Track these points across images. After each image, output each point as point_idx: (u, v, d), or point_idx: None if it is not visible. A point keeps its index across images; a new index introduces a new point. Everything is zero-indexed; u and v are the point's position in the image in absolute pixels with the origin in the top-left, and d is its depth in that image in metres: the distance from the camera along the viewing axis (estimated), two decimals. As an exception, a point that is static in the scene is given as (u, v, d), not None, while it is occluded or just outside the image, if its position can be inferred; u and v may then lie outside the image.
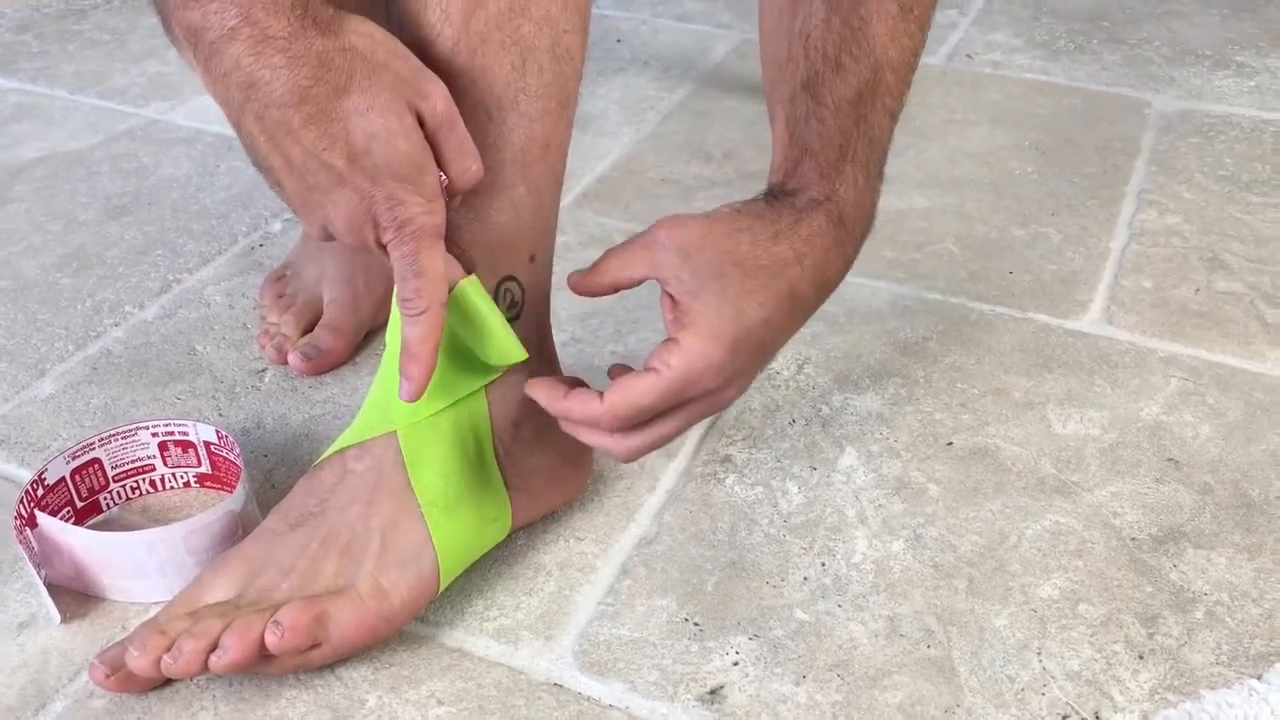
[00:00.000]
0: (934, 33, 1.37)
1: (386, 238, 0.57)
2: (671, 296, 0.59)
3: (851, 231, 0.63)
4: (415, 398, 0.60)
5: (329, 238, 0.60)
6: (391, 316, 0.66)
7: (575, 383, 0.63)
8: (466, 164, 0.58)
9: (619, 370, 0.61)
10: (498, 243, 0.64)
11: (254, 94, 0.54)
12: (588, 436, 0.62)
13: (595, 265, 0.62)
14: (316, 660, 0.62)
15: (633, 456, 0.62)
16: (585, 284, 0.62)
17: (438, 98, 0.57)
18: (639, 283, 0.61)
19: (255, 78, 0.53)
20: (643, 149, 1.15)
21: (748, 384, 0.64)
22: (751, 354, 0.60)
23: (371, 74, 0.55)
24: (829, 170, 0.62)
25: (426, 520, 0.64)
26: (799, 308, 0.62)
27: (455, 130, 0.58)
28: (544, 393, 0.62)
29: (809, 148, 0.63)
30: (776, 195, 0.63)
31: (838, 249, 0.62)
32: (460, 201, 0.61)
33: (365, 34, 0.55)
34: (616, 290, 0.62)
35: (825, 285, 0.63)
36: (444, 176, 0.58)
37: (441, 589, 0.65)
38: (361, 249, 0.59)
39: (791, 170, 0.63)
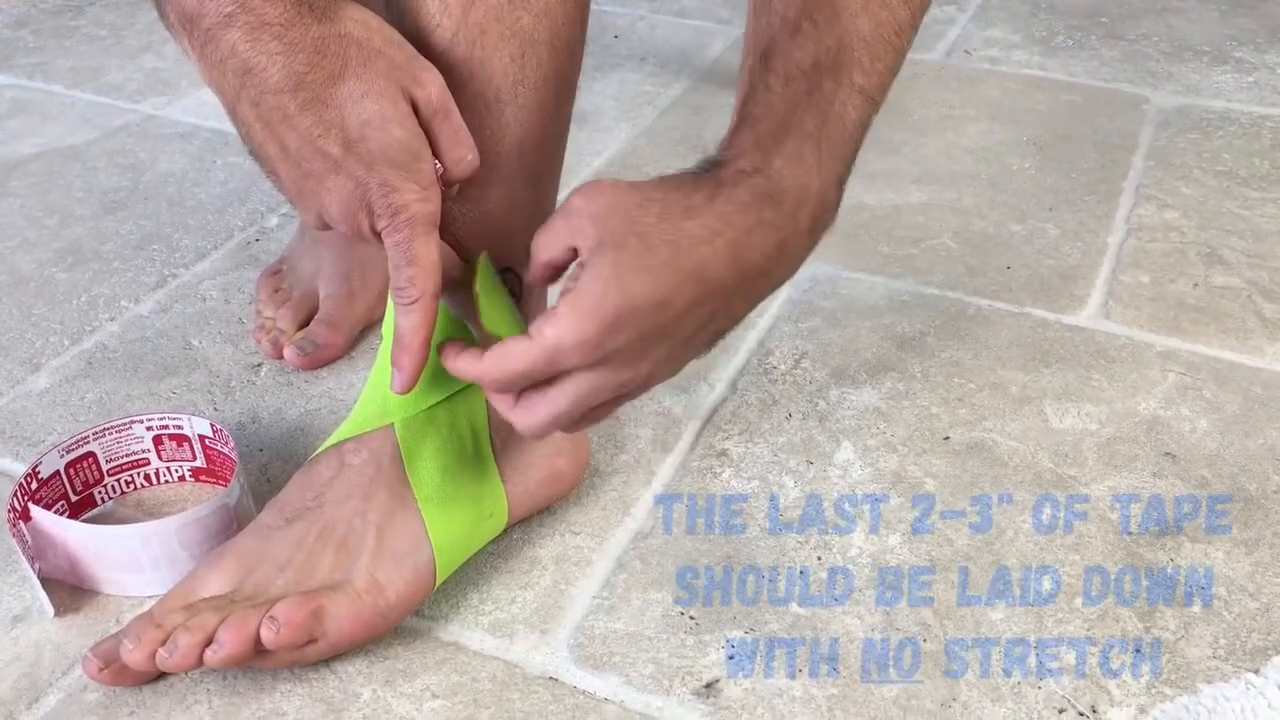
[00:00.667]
0: (932, 29, 1.38)
1: (380, 225, 0.56)
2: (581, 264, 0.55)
3: (791, 213, 0.55)
4: (407, 389, 0.59)
5: (325, 226, 0.59)
6: (388, 310, 0.66)
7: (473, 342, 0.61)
8: (462, 153, 0.58)
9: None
10: (495, 235, 0.64)
11: (250, 80, 0.54)
12: (495, 403, 0.59)
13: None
14: (312, 656, 0.62)
15: (534, 431, 0.58)
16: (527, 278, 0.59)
17: (433, 85, 0.56)
18: (569, 258, 0.55)
19: (251, 64, 0.53)
20: (639, 144, 1.15)
21: (662, 370, 0.57)
22: (642, 336, 0.54)
23: (367, 60, 0.54)
24: (766, 140, 0.56)
25: (423, 515, 0.64)
26: (710, 292, 0.54)
27: (450, 119, 0.57)
28: (446, 353, 0.59)
29: (749, 116, 0.57)
30: (706, 166, 0.56)
31: (763, 230, 0.55)
32: (456, 192, 0.61)
33: (361, 21, 0.55)
34: (552, 271, 0.57)
35: (748, 270, 0.55)
36: (439, 165, 0.58)
37: (437, 585, 0.65)
38: (356, 237, 0.58)
39: (728, 140, 0.57)
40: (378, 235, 0.57)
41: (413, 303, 0.57)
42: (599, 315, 0.53)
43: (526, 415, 0.58)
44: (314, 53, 0.53)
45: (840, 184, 0.59)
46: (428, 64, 0.57)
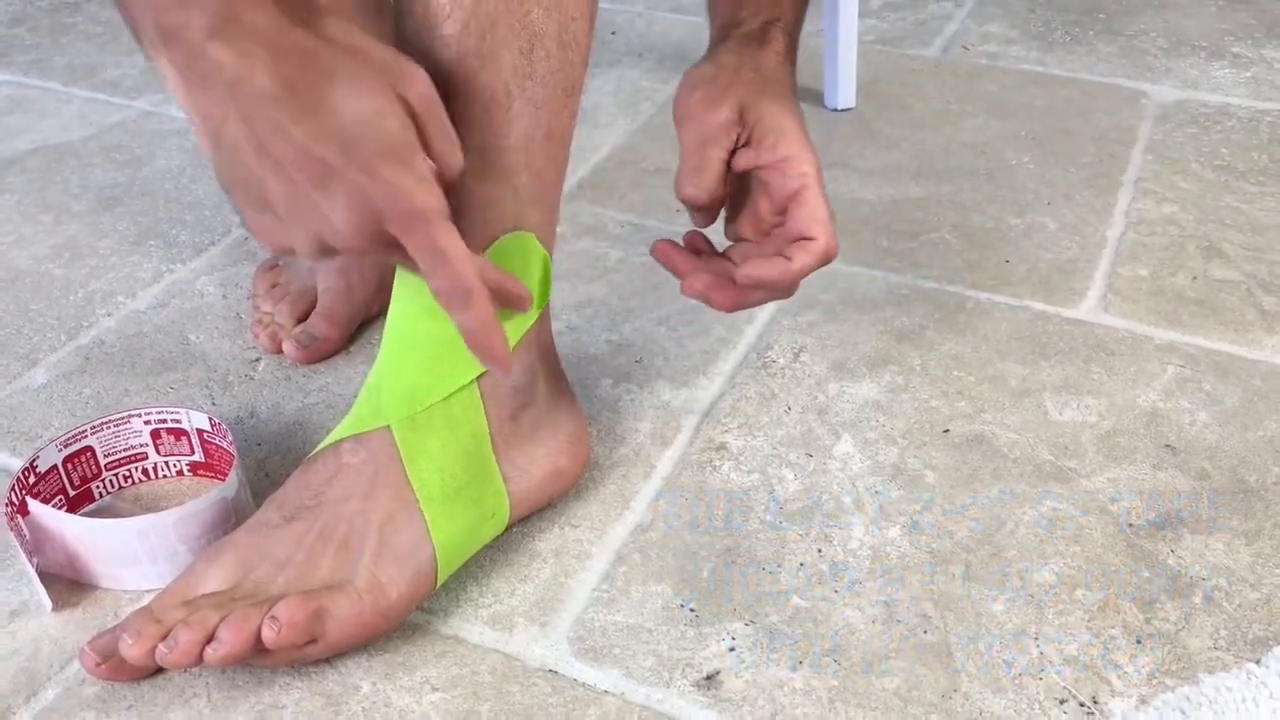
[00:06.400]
0: (929, 24, 1.38)
1: (394, 229, 0.55)
2: (740, 141, 0.68)
3: (794, 47, 0.73)
4: (509, 367, 0.58)
5: (324, 253, 0.56)
6: (390, 310, 0.66)
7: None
8: (451, 149, 0.57)
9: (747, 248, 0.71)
10: (500, 229, 0.64)
11: (240, 92, 0.52)
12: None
13: (695, 191, 0.69)
14: (312, 655, 0.61)
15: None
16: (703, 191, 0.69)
17: (420, 82, 0.55)
18: (729, 140, 0.69)
19: (240, 74, 0.51)
20: (637, 140, 1.15)
21: None
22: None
23: (354, 61, 0.53)
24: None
25: (425, 515, 0.63)
26: (796, 103, 0.71)
27: (437, 116, 0.56)
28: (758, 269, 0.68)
29: None
30: (728, 34, 0.72)
31: (790, 60, 0.72)
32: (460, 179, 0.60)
33: (342, 28, 0.54)
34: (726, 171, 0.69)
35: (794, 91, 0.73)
36: (430, 164, 0.56)
37: (439, 585, 0.65)
38: (372, 246, 0.55)
39: (743, 3, 0.73)
40: (393, 242, 0.55)
41: (467, 299, 0.55)
42: (804, 136, 0.68)
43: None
44: (303, 58, 0.52)
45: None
46: (412, 62, 0.56)
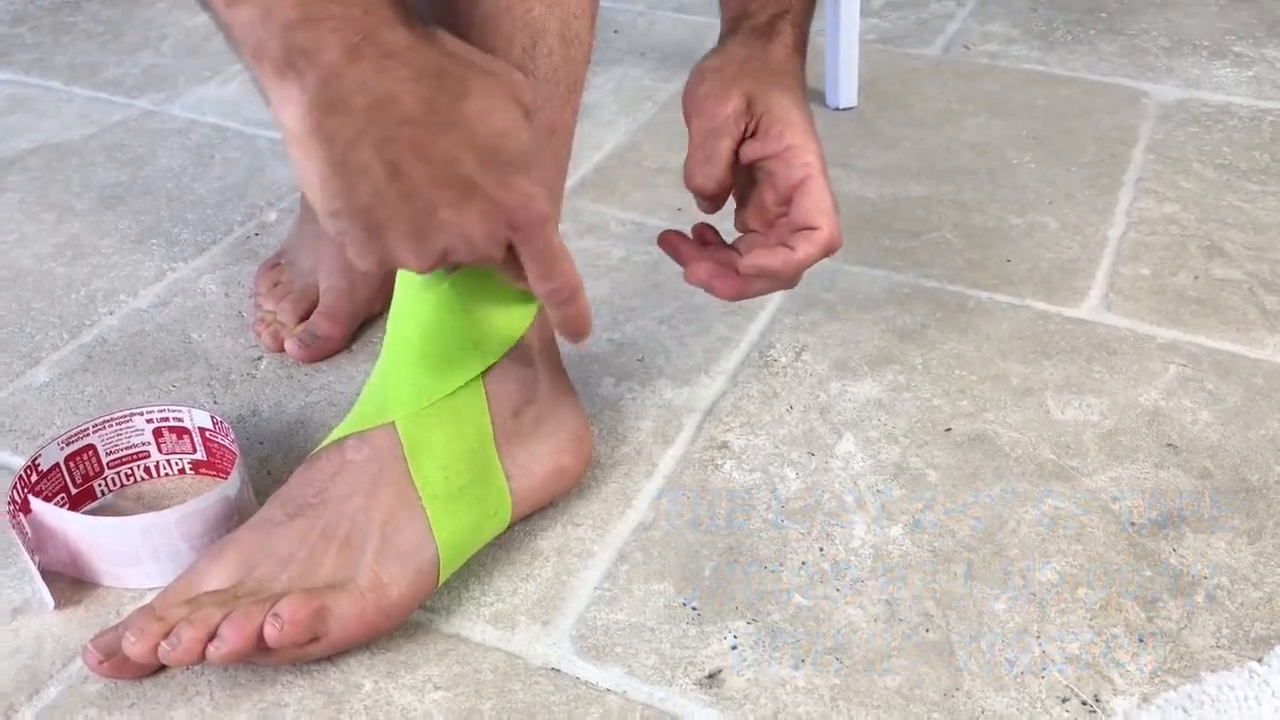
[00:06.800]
0: (930, 23, 1.38)
1: (518, 235, 0.56)
2: (748, 132, 0.67)
3: (804, 40, 0.72)
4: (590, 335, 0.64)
5: (438, 264, 0.56)
6: (393, 307, 0.66)
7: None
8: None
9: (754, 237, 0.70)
10: None
11: (381, 115, 0.50)
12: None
13: (704, 181, 0.68)
14: (314, 654, 0.61)
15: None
16: (710, 182, 0.68)
17: (530, 90, 0.56)
18: (736, 131, 0.68)
19: (385, 95, 0.50)
20: (639, 139, 1.15)
21: None
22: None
23: (482, 75, 0.53)
24: None
25: (427, 513, 0.63)
26: (804, 96, 0.70)
27: (536, 120, 0.58)
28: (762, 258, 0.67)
29: None
30: (737, 27, 0.70)
31: (799, 53, 0.71)
32: None
33: (456, 41, 0.54)
34: (729, 164, 0.68)
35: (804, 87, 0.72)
36: None
37: (441, 583, 0.65)
38: (496, 255, 0.57)
39: None
40: (509, 249, 0.57)
41: (574, 293, 0.60)
42: (809, 128, 0.67)
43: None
44: (438, 75, 0.51)
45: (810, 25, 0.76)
46: (518, 71, 0.56)
